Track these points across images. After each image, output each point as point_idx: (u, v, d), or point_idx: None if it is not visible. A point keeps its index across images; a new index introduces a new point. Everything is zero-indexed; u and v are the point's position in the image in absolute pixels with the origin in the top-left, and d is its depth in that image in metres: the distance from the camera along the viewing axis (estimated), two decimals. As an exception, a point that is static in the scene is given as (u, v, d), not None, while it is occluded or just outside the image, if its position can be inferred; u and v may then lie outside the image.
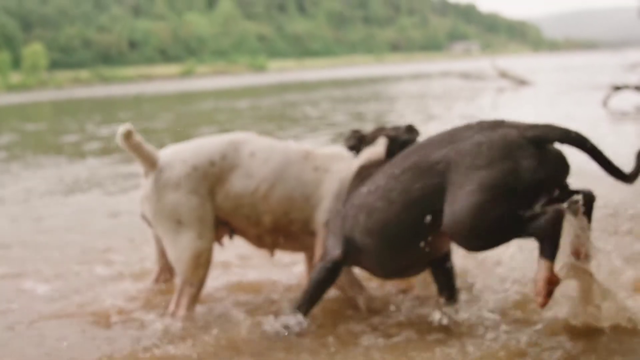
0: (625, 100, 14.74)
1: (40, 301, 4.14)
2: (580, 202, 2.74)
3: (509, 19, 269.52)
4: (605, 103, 14.77)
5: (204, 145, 3.69)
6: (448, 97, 22.86)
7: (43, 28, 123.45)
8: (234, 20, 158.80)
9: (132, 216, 6.11)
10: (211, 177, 3.59)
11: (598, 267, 2.95)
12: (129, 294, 4.11)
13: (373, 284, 3.98)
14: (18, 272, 4.77)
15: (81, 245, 5.55)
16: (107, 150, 12.69)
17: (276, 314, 3.48)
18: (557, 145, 2.88)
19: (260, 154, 3.65)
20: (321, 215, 3.64)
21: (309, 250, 3.83)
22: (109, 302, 4.01)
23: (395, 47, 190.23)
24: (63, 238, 5.92)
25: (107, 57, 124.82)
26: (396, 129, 3.76)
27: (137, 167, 3.69)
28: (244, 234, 3.81)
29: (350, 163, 3.67)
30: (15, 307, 4.07)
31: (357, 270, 3.71)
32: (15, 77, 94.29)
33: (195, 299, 3.65)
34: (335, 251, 3.35)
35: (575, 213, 2.70)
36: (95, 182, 9.03)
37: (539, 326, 3.22)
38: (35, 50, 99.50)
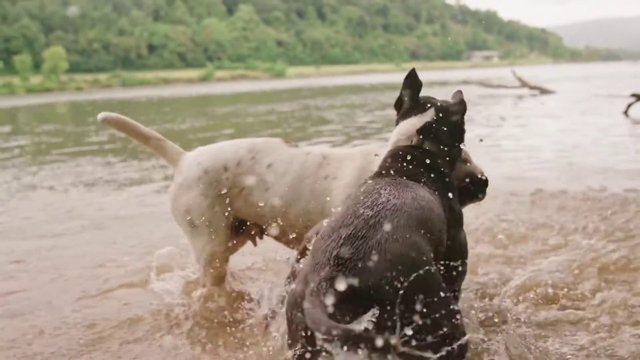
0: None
1: (104, 305, 4.04)
2: None
3: (530, 26, 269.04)
4: (626, 111, 14.66)
5: (222, 150, 3.68)
6: (469, 104, 22.70)
7: (64, 31, 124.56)
8: (253, 25, 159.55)
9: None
10: (224, 182, 3.58)
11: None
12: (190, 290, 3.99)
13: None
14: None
15: (129, 241, 5.56)
16: (129, 150, 12.75)
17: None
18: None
19: (278, 166, 3.56)
20: None
21: None
22: (168, 300, 3.94)
23: (415, 55, 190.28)
24: (105, 234, 5.88)
25: (127, 61, 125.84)
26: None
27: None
28: (276, 239, 3.77)
29: (356, 164, 3.52)
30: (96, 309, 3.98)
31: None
32: (35, 79, 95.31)
33: (212, 291, 3.74)
34: None
35: None
36: (121, 180, 9.10)
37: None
38: (55, 53, 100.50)
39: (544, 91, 25.75)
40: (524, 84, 26.85)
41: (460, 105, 3.18)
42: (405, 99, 3.10)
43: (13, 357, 3.31)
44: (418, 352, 2.15)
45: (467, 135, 3.08)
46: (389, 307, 2.08)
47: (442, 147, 2.99)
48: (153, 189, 8.28)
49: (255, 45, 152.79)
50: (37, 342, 3.48)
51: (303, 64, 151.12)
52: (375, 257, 2.14)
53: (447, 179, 2.91)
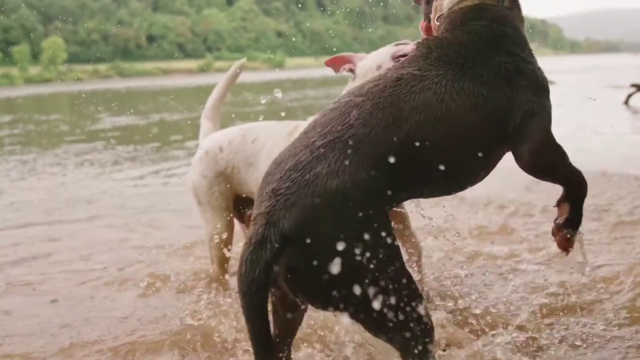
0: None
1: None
2: None
3: (530, 17, 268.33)
4: (626, 101, 14.68)
5: (222, 132, 3.78)
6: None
7: (63, 21, 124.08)
8: (253, 16, 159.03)
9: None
10: (220, 162, 3.63)
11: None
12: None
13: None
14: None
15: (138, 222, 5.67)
16: (128, 138, 12.79)
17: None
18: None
19: (259, 140, 3.57)
20: None
21: None
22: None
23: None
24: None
25: (126, 51, 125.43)
26: None
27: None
28: None
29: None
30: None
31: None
32: (34, 70, 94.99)
33: (218, 273, 3.77)
34: None
35: None
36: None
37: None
38: (54, 43, 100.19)
39: (544, 82, 25.73)
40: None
41: None
42: None
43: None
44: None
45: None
46: (314, 255, 1.92)
47: None
48: (152, 170, 8.40)
49: (255, 36, 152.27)
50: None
51: (303, 54, 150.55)
52: (306, 192, 1.97)
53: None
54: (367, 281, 1.96)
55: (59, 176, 8.68)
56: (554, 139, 2.39)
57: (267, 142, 3.50)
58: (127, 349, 3.10)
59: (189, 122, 16.29)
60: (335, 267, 1.91)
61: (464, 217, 5.01)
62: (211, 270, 3.84)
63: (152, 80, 69.15)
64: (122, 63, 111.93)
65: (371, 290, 1.96)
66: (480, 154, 2.23)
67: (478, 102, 2.21)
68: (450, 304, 3.32)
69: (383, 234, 1.99)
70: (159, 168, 8.88)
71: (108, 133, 14.40)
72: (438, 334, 2.80)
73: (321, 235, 1.93)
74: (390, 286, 1.98)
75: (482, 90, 2.22)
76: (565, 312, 3.17)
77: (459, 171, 2.24)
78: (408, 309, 2.02)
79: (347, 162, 2.00)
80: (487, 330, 2.96)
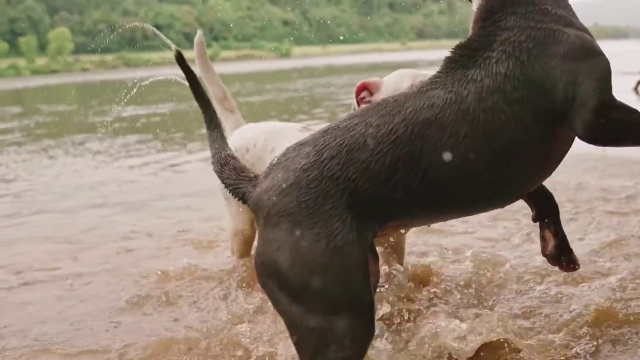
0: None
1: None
2: None
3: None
4: (636, 88, 14.62)
5: (248, 131, 3.74)
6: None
7: (69, 12, 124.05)
8: (259, 5, 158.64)
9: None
10: (247, 164, 3.55)
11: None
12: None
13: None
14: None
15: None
16: (134, 128, 12.79)
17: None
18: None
19: (277, 150, 3.38)
20: None
21: None
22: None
23: (421, 34, 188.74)
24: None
25: (132, 42, 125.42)
26: None
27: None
28: None
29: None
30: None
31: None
32: (40, 61, 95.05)
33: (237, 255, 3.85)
34: None
35: None
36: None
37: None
38: (60, 34, 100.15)
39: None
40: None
41: None
42: None
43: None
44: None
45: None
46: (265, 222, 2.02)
47: None
48: (162, 158, 8.44)
49: (261, 25, 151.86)
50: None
51: (309, 43, 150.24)
52: (279, 167, 2.08)
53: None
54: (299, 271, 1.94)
55: (70, 165, 8.74)
56: (614, 101, 2.14)
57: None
58: (146, 345, 3.04)
59: (197, 112, 16.30)
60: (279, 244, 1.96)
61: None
62: (230, 259, 3.94)
63: (159, 70, 69.11)
64: (129, 53, 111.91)
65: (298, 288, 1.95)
66: (517, 142, 2.00)
67: (496, 83, 2.00)
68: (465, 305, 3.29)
69: (333, 225, 1.92)
70: (169, 156, 8.92)
71: (117, 123, 14.42)
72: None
73: (274, 208, 1.98)
74: (319, 291, 1.92)
75: (499, 69, 2.04)
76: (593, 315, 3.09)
77: (485, 165, 2.00)
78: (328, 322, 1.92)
79: (331, 145, 2.00)
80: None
